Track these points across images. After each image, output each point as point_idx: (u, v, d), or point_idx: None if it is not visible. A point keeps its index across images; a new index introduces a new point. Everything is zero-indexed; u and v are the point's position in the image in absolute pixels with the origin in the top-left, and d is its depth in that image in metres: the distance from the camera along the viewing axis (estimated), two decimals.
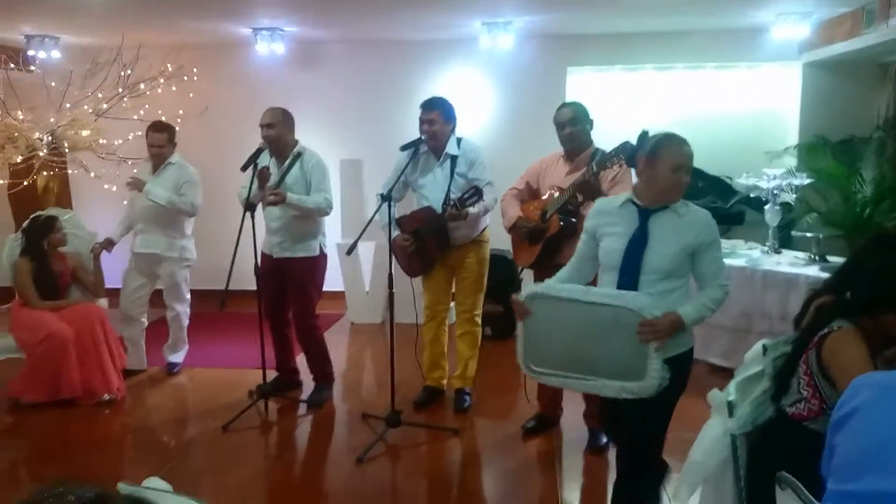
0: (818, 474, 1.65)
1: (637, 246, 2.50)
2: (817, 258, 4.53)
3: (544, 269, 3.59)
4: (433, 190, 3.98)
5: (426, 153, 4.02)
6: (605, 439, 3.69)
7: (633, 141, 3.01)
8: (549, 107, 6.28)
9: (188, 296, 4.88)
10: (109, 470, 3.62)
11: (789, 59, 6.13)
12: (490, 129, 6.34)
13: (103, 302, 4.72)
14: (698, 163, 6.33)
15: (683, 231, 2.49)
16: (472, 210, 3.76)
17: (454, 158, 3.97)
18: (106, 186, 5.91)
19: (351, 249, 3.70)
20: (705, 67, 6.43)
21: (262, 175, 3.96)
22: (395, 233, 3.97)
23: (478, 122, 6.35)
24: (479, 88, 6.42)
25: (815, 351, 2.03)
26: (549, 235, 3.52)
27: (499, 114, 6.46)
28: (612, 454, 3.62)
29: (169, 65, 6.09)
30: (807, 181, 4.82)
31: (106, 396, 4.32)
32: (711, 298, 2.53)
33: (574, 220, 3.47)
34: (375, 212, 3.80)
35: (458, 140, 4.03)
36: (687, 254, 2.49)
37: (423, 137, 3.94)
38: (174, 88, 6.20)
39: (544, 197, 3.66)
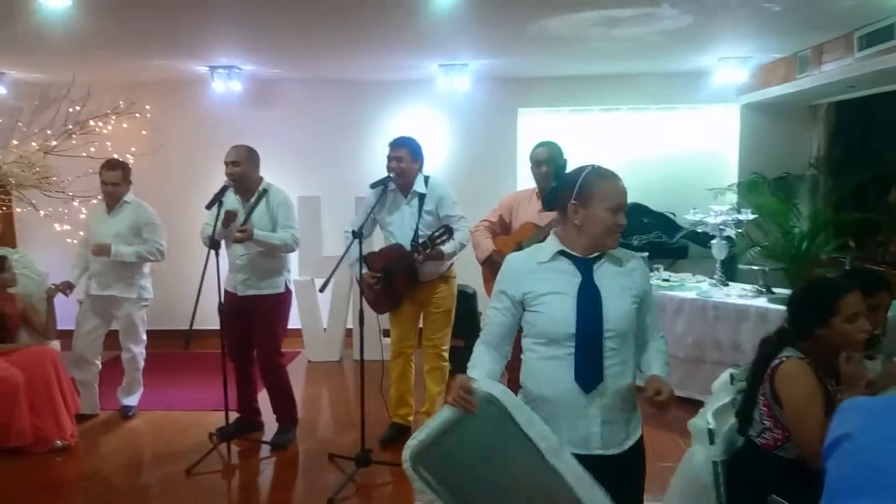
0: (798, 499, 1.76)
1: (592, 306, 2.03)
2: (764, 290, 4.75)
3: None
4: (401, 227, 4.03)
5: (394, 191, 4.07)
6: None
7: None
8: (502, 145, 6.61)
9: (144, 336, 4.77)
10: None
11: (728, 101, 6.48)
12: (446, 166, 6.45)
13: (55, 344, 4.56)
14: (644, 199, 6.76)
15: (629, 280, 2.13)
16: (445, 249, 3.83)
17: (422, 196, 4.03)
18: (57, 226, 5.74)
19: (324, 286, 3.70)
20: (649, 109, 6.73)
21: (228, 217, 3.92)
22: (364, 270, 4.00)
23: (434, 159, 6.42)
24: (435, 127, 6.55)
25: (769, 382, 2.18)
26: None
27: (454, 151, 6.59)
28: None
29: (121, 101, 6.00)
30: (751, 217, 5.07)
31: (58, 443, 4.15)
32: (664, 352, 2.25)
33: None
34: (347, 248, 3.82)
35: (426, 178, 4.10)
36: (637, 306, 2.14)
37: (391, 175, 3.99)
38: (126, 126, 6.11)
39: (513, 233, 3.75)
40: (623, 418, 2.09)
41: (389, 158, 4.01)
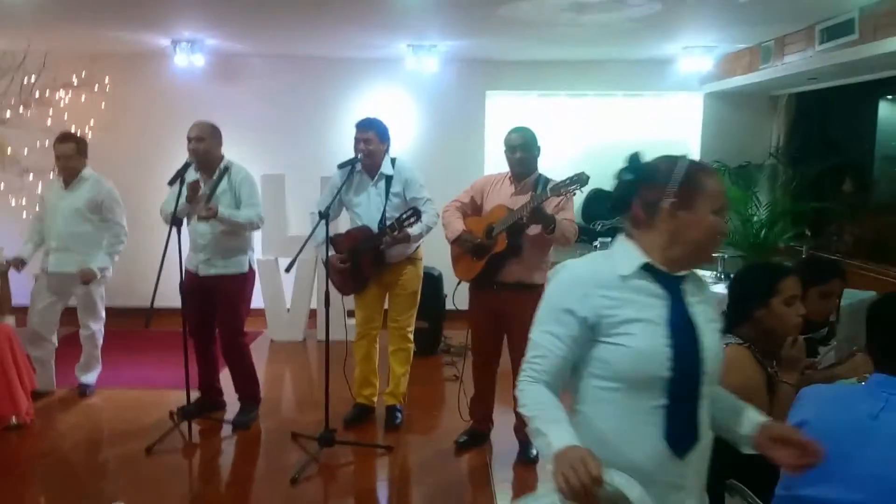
0: (754, 482, 1.82)
1: (689, 342, 1.59)
2: (723, 276, 4.85)
3: (483, 284, 3.72)
4: (368, 209, 4.02)
5: (360, 173, 4.05)
6: (534, 451, 3.81)
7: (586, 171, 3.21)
8: (469, 127, 6.60)
9: (104, 314, 4.68)
10: (20, 501, 3.42)
11: (692, 90, 6.58)
12: (412, 147, 6.42)
13: (10, 320, 4.46)
14: (608, 185, 6.76)
15: (712, 308, 1.71)
16: (412, 231, 3.82)
17: (389, 178, 4.02)
18: (13, 200, 5.58)
19: (290, 267, 3.66)
20: (615, 95, 6.79)
21: (193, 187, 3.85)
22: (330, 252, 3.97)
23: (401, 140, 6.39)
24: (402, 107, 6.51)
25: None
26: (494, 252, 3.62)
27: (421, 132, 6.56)
28: (541, 465, 3.76)
29: (79, 73, 5.84)
30: None
31: (14, 421, 4.06)
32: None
33: (520, 240, 3.59)
34: (313, 229, 3.79)
35: (393, 160, 4.09)
36: None
37: (358, 156, 3.96)
38: (84, 98, 5.94)
39: (484, 214, 3.77)
40: (700, 486, 1.67)
41: (357, 140, 3.98)
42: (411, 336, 4.28)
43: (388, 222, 3.85)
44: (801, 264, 2.84)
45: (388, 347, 4.27)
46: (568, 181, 3.35)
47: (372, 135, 3.96)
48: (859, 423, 1.65)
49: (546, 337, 1.61)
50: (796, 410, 1.81)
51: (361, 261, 4.00)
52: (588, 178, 3.36)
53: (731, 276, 2.65)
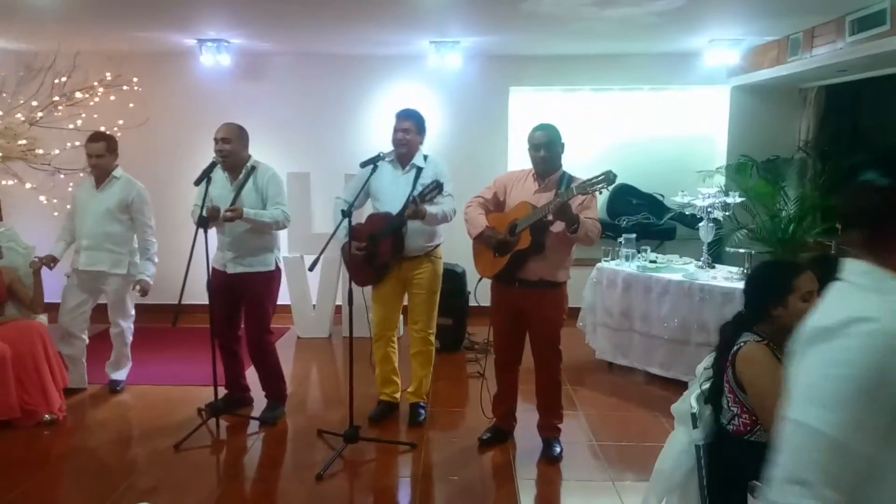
0: None
1: None
2: (749, 272, 4.80)
3: (505, 281, 3.71)
4: (394, 196, 3.99)
5: (392, 162, 4.09)
6: (558, 449, 3.81)
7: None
8: (493, 123, 6.59)
9: (133, 311, 4.76)
10: (52, 495, 3.50)
11: (718, 83, 6.49)
12: (436, 143, 6.38)
13: (43, 318, 4.55)
14: (633, 180, 6.78)
15: None
16: (431, 209, 3.81)
17: (420, 169, 4.04)
18: (43, 199, 5.69)
19: (313, 265, 3.69)
20: (640, 89, 6.73)
21: (212, 213, 3.89)
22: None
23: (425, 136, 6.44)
24: (426, 104, 6.46)
25: (731, 368, 2.24)
26: (517, 249, 3.61)
27: (445, 129, 6.56)
28: (565, 464, 3.76)
29: (108, 73, 5.93)
30: (739, 200, 5.10)
31: (47, 417, 4.16)
32: None
33: (543, 238, 3.57)
34: (336, 228, 3.80)
35: (425, 157, 4.12)
36: None
37: (386, 151, 4.04)
38: (113, 98, 6.04)
39: (507, 211, 3.76)
40: None
41: (396, 129, 4.05)
42: (433, 339, 4.27)
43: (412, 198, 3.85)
44: (816, 259, 2.80)
45: (410, 349, 4.27)
46: (595, 179, 3.33)
47: (410, 124, 4.04)
48: None
49: (849, 433, 1.08)
50: None
51: (380, 245, 4.00)
52: (615, 176, 3.34)
53: (750, 272, 2.61)
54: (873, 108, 6.40)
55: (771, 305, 2.28)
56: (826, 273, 2.58)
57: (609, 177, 3.31)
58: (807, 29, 5.08)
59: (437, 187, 3.77)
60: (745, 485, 1.90)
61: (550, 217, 3.44)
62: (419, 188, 3.96)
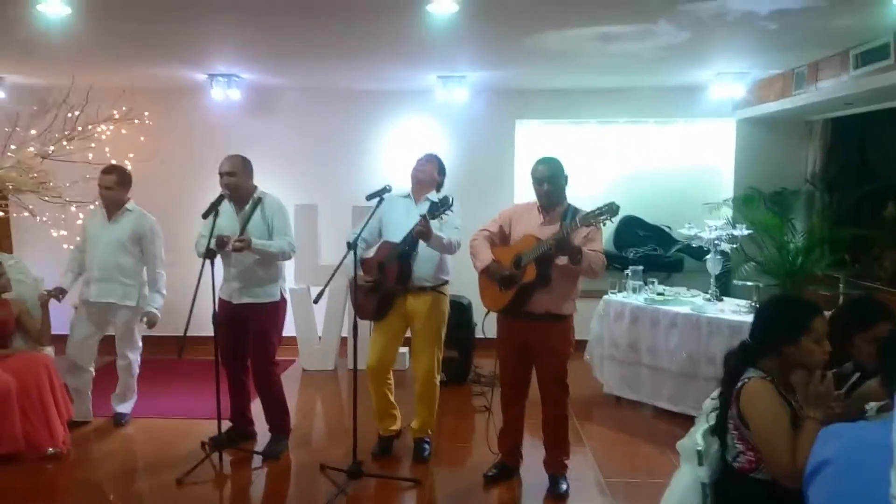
0: None
1: None
2: (757, 306, 4.75)
3: (511, 315, 3.70)
4: (403, 226, 3.95)
5: (406, 198, 4.14)
6: (564, 486, 3.76)
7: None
8: (499, 156, 6.63)
9: (140, 343, 4.77)
10: None
11: (725, 116, 6.51)
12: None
13: (49, 350, 4.55)
14: (640, 212, 6.78)
15: None
16: (437, 233, 3.79)
17: (433, 203, 4.05)
18: (54, 232, 5.74)
19: (318, 298, 3.70)
20: (646, 122, 6.76)
21: (220, 243, 3.92)
22: (358, 272, 4.00)
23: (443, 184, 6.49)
24: (433, 137, 6.56)
25: (735, 405, 2.20)
26: (523, 283, 3.60)
27: (451, 162, 6.49)
28: (571, 501, 3.70)
29: (120, 108, 6.02)
30: (746, 232, 5.09)
31: (50, 450, 4.13)
32: None
33: (549, 271, 3.56)
34: (342, 259, 3.79)
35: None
36: None
37: (412, 178, 4.17)
38: (124, 132, 6.12)
39: (513, 244, 3.75)
40: None
41: (418, 160, 4.22)
42: (436, 381, 4.20)
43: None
44: (841, 310, 2.74)
45: (414, 389, 4.23)
46: (598, 211, 3.34)
47: (433, 160, 4.24)
48: (881, 455, 1.61)
49: None
50: (817, 451, 1.77)
51: (387, 273, 3.99)
52: (618, 207, 3.34)
53: (761, 305, 2.58)
54: (880, 140, 6.40)
55: (783, 342, 2.25)
56: (857, 321, 2.54)
57: (612, 208, 3.31)
58: (811, 62, 5.12)
59: (445, 201, 3.74)
60: None
61: (553, 251, 3.44)
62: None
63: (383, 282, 4.02)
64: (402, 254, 3.93)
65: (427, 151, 4.35)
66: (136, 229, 4.54)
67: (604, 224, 3.44)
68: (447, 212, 3.75)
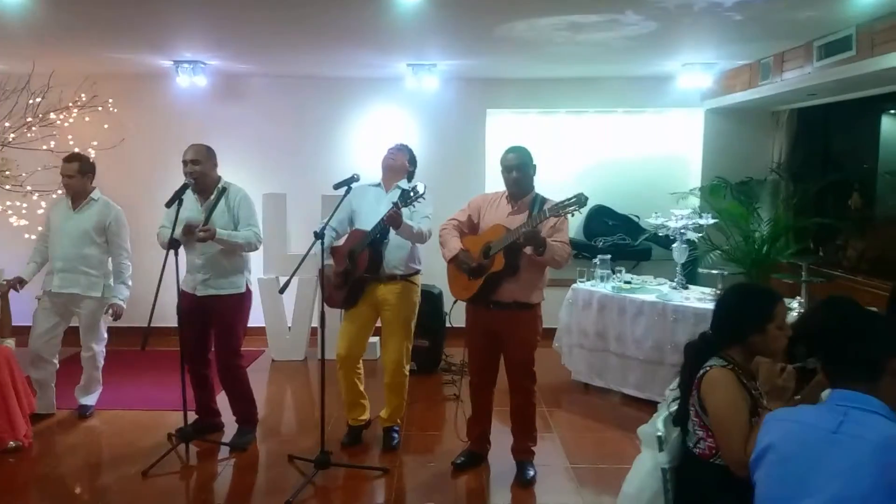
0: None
1: None
2: (719, 298, 4.81)
3: (479, 303, 3.71)
4: (374, 215, 3.95)
5: (377, 186, 4.14)
6: (532, 472, 3.79)
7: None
8: (470, 145, 6.62)
9: (105, 335, 4.69)
10: None
11: (692, 106, 6.58)
12: None
13: (10, 342, 4.46)
14: (609, 202, 6.83)
15: None
16: (407, 222, 3.80)
17: (404, 191, 4.04)
18: (14, 221, 5.62)
19: (284, 288, 3.67)
20: (615, 112, 6.80)
21: (188, 230, 3.88)
22: (329, 261, 3.96)
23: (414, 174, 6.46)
24: (403, 126, 6.53)
25: (696, 392, 2.24)
26: (491, 272, 3.60)
27: (422, 151, 6.43)
28: (539, 487, 3.73)
29: (83, 94, 5.90)
30: (712, 221, 5.15)
31: (12, 444, 4.05)
32: None
33: (517, 261, 3.57)
34: (309, 249, 3.78)
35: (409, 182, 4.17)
36: None
37: (383, 166, 4.16)
38: (87, 119, 6.00)
39: (481, 233, 3.76)
40: None
41: (389, 150, 4.22)
42: (406, 370, 4.19)
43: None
44: (828, 304, 2.76)
45: (384, 378, 4.22)
46: (567, 202, 3.36)
47: (403, 149, 4.27)
48: (821, 439, 1.65)
49: None
50: (762, 436, 1.81)
51: (358, 260, 3.97)
52: (587, 199, 3.37)
53: (722, 298, 2.60)
54: (843, 130, 6.52)
55: (749, 332, 2.28)
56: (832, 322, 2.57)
57: (580, 199, 3.33)
58: (777, 53, 5.18)
59: (416, 190, 3.73)
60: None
61: (521, 241, 3.45)
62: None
63: (354, 269, 3.99)
64: (373, 241, 3.91)
65: (398, 141, 4.36)
66: (101, 219, 4.46)
67: (572, 215, 3.46)
68: (418, 200, 3.74)
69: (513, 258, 3.57)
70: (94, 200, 4.49)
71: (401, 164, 4.18)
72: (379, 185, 4.17)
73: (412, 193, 3.71)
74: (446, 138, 6.60)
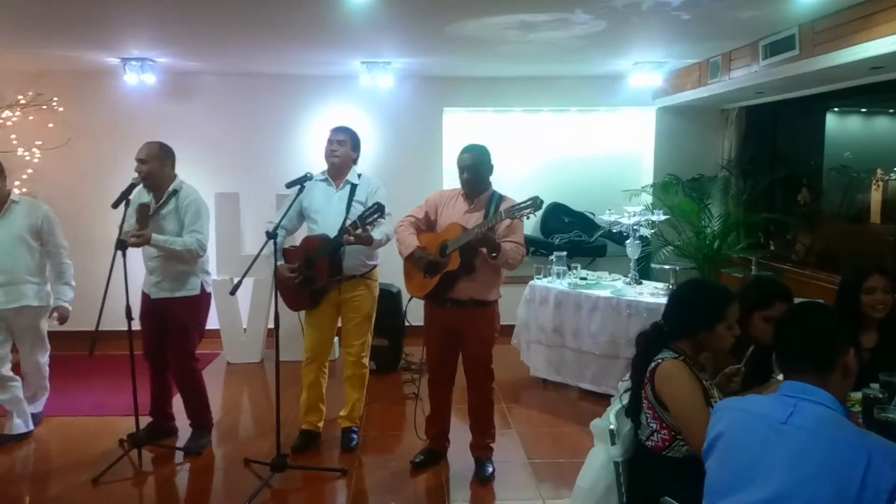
0: (689, 497, 1.84)
1: None
2: (674, 290, 4.90)
3: (436, 301, 3.71)
4: (328, 217, 3.93)
5: (324, 181, 4.05)
6: (490, 469, 3.80)
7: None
8: (427, 144, 6.62)
9: (48, 343, 4.51)
10: None
11: (644, 105, 6.68)
12: (371, 163, 6.37)
13: None
14: (565, 199, 6.90)
15: None
16: (375, 235, 3.77)
17: (354, 186, 3.99)
18: None
19: (235, 290, 3.61)
20: (569, 111, 6.87)
21: (142, 211, 3.79)
22: (281, 262, 3.92)
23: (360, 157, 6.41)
24: (359, 124, 6.39)
25: (650, 385, 2.27)
26: (447, 270, 3.60)
27: (378, 150, 6.55)
28: (497, 483, 3.75)
29: (28, 92, 5.72)
30: (663, 217, 5.24)
31: None
32: None
33: (473, 259, 3.58)
34: (261, 249, 3.71)
35: (359, 174, 4.09)
36: None
37: (326, 158, 4.03)
38: (31, 118, 5.82)
39: (439, 230, 3.75)
40: None
41: (330, 141, 4.03)
42: (366, 361, 4.20)
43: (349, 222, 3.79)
44: (743, 289, 2.86)
45: (343, 372, 4.20)
46: (522, 205, 3.37)
47: (345, 137, 4.02)
48: (770, 429, 1.69)
49: None
50: (713, 424, 1.85)
51: (316, 268, 3.92)
52: (542, 202, 3.40)
53: (676, 290, 2.65)
54: (790, 128, 6.69)
55: (699, 328, 2.32)
56: (754, 301, 2.65)
57: (536, 203, 3.35)
58: (725, 52, 5.29)
59: (377, 210, 3.69)
60: (657, 501, 1.94)
61: (474, 243, 3.46)
62: (355, 207, 3.93)
63: (314, 278, 3.94)
64: (333, 250, 3.87)
65: (336, 125, 4.16)
66: (32, 221, 4.18)
67: (527, 218, 3.48)
68: (377, 222, 3.72)
69: (468, 257, 3.57)
70: (14, 203, 4.19)
71: (345, 157, 4.03)
72: (326, 179, 4.06)
73: (373, 212, 3.67)
74: (403, 136, 6.59)
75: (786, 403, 1.72)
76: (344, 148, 4.02)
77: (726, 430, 1.77)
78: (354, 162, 4.11)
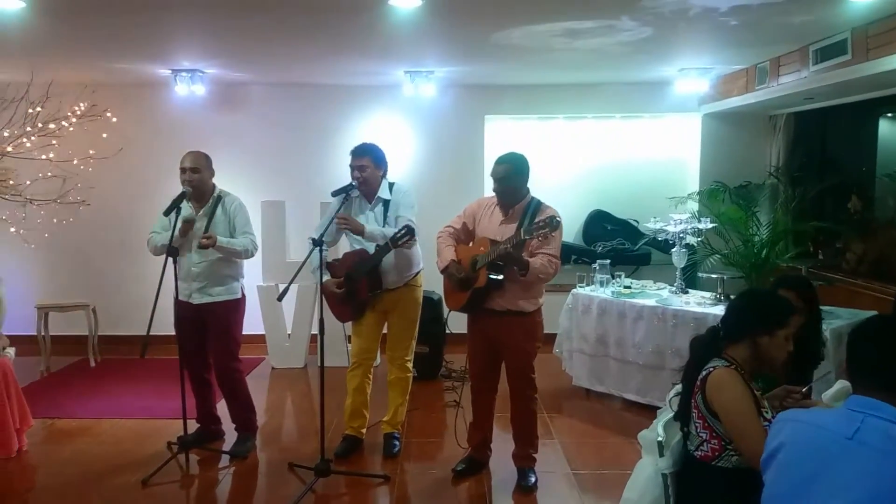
0: None
1: None
2: (722, 297, 4.83)
3: (477, 309, 3.70)
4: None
5: (359, 198, 4.06)
6: (533, 479, 3.78)
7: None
8: (468, 152, 6.63)
9: None
10: None
11: (690, 111, 6.59)
12: (412, 172, 6.45)
13: (10, 351, 4.42)
14: (608, 207, 6.82)
15: None
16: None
17: (387, 203, 4.02)
18: (13, 230, 5.61)
19: (282, 296, 3.66)
20: (613, 118, 6.81)
21: (186, 226, 3.89)
22: (326, 277, 3.96)
23: (400, 165, 6.45)
24: (401, 133, 6.55)
25: (700, 394, 2.22)
26: (475, 287, 3.60)
27: (421, 158, 6.59)
28: (540, 493, 3.72)
29: (81, 104, 5.91)
30: (711, 225, 5.15)
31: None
32: None
33: (501, 276, 3.55)
34: (307, 257, 3.76)
35: (391, 185, 4.09)
36: None
37: (354, 183, 3.97)
38: (86, 128, 6.00)
39: (472, 244, 3.75)
40: None
41: (352, 167, 3.99)
42: (410, 366, 4.24)
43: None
44: (796, 280, 2.81)
45: (387, 376, 4.23)
46: (541, 224, 3.36)
47: (367, 161, 3.97)
48: (835, 443, 1.63)
49: None
50: (773, 434, 1.79)
51: (357, 285, 3.98)
52: (560, 222, 3.41)
53: (741, 294, 2.59)
54: (840, 134, 6.53)
55: (760, 332, 2.27)
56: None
57: (552, 223, 3.33)
58: (773, 58, 5.19)
59: (407, 233, 3.70)
60: None
61: (500, 262, 3.46)
62: (391, 223, 3.95)
63: (356, 293, 3.99)
64: (371, 268, 3.92)
65: (356, 145, 4.09)
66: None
67: (542, 238, 3.42)
68: (410, 239, 3.73)
69: (496, 273, 3.55)
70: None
71: (372, 177, 3.98)
72: (360, 196, 4.05)
73: (402, 236, 3.69)
74: (444, 145, 6.61)
75: (853, 418, 1.65)
76: (367, 171, 3.96)
77: (787, 441, 1.72)
78: (383, 176, 4.08)
